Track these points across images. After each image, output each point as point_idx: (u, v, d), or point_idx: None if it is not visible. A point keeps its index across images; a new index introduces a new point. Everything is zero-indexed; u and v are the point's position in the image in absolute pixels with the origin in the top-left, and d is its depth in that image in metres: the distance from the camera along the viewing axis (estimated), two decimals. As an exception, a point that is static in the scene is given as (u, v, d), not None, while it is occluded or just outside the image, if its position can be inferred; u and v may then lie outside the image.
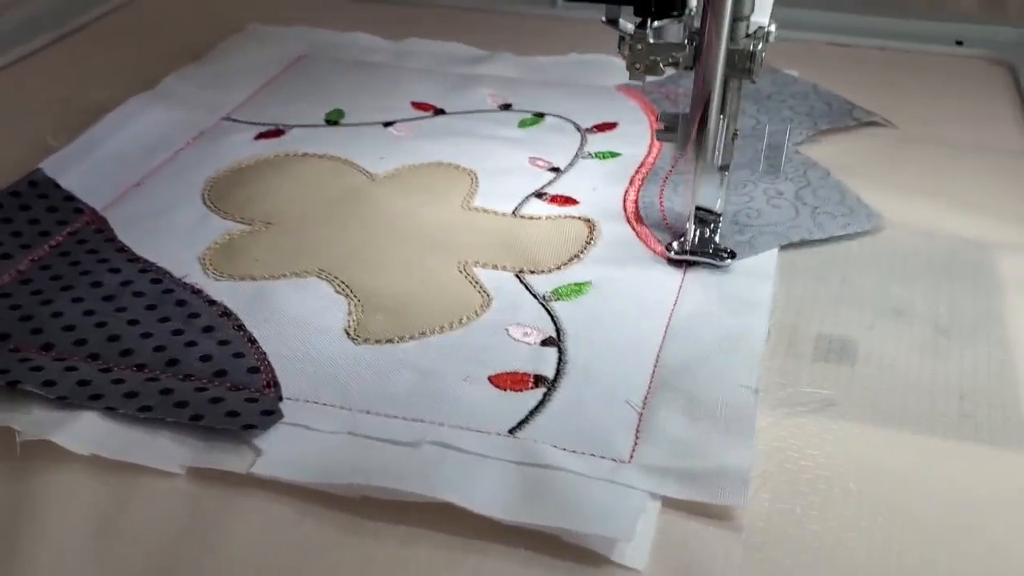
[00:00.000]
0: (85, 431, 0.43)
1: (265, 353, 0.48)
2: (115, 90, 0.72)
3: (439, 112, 0.73)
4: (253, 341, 0.49)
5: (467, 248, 0.57)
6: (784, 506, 0.41)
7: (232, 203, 0.61)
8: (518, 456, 0.42)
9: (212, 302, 0.52)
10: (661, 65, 0.50)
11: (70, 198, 0.60)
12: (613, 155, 0.67)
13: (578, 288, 0.54)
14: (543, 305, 0.52)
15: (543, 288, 0.53)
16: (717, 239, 0.55)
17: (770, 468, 0.42)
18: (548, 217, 0.60)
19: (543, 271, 0.55)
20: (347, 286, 0.53)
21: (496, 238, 0.58)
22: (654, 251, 0.57)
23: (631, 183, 0.64)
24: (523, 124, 0.71)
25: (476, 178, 0.64)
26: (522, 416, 0.45)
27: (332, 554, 0.39)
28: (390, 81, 0.77)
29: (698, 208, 0.55)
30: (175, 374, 0.47)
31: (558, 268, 0.55)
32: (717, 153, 0.53)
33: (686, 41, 0.51)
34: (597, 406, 0.45)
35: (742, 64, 0.50)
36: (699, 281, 0.54)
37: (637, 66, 0.50)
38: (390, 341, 0.49)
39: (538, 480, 0.41)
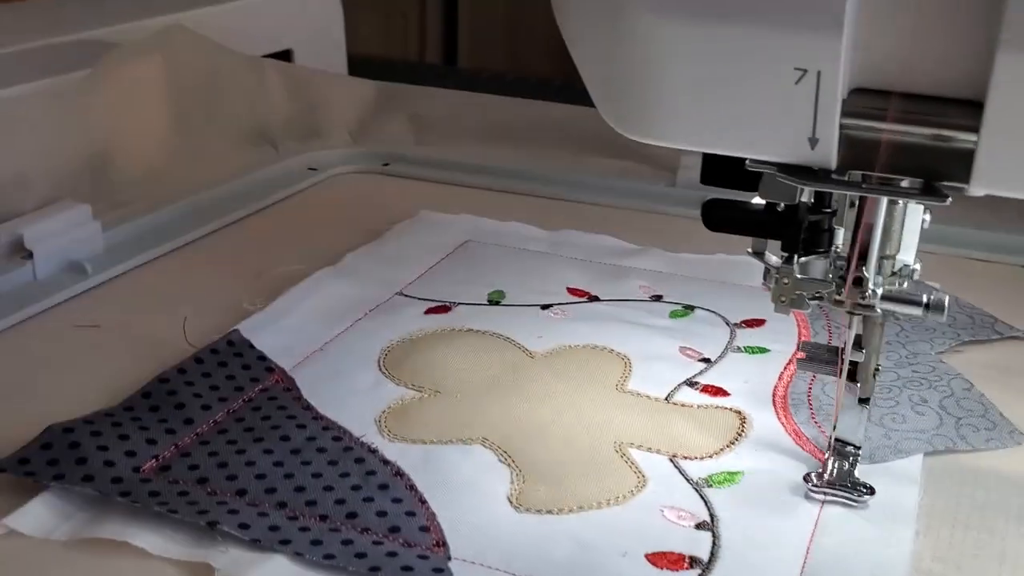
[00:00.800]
0: (275, 572, 0.47)
1: (434, 513, 0.52)
2: (301, 264, 0.79)
3: (593, 299, 0.78)
4: (424, 501, 0.53)
5: (622, 429, 0.60)
6: None
7: (404, 371, 0.66)
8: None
9: (386, 462, 0.56)
10: (807, 299, 0.53)
11: (262, 358, 0.66)
12: (762, 350, 0.71)
13: (731, 477, 0.56)
14: (696, 490, 0.55)
15: (696, 473, 0.56)
16: (856, 472, 0.55)
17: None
18: (700, 406, 0.63)
19: (697, 457, 0.58)
20: (509, 455, 0.57)
21: (650, 421, 0.61)
22: (802, 447, 0.59)
23: (779, 378, 0.67)
24: (674, 315, 0.76)
25: (629, 363, 0.68)
26: (677, 594, 0.47)
27: None
28: (547, 267, 0.83)
29: (838, 440, 0.56)
30: (354, 526, 0.51)
31: (711, 456, 0.58)
32: (863, 387, 0.55)
33: (830, 276, 0.53)
34: (750, 591, 0.47)
35: (935, 310, 0.52)
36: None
37: (783, 299, 0.53)
38: (550, 512, 0.52)
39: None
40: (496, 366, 0.67)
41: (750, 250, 0.53)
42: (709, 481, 0.56)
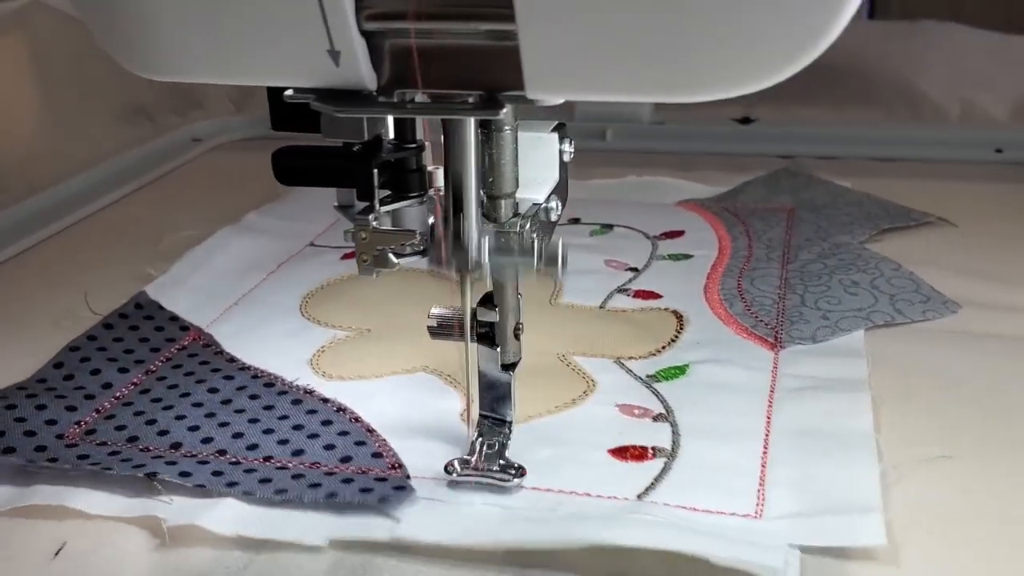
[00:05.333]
0: (227, 514, 0.44)
1: (385, 440, 0.49)
2: (202, 228, 0.75)
3: (511, 228, 0.76)
4: (372, 430, 0.50)
5: (564, 339, 0.58)
6: (932, 541, 0.42)
7: (329, 314, 0.63)
8: (651, 515, 0.43)
9: (326, 399, 0.53)
10: (391, 256, 0.41)
11: (174, 318, 0.62)
12: (686, 256, 0.70)
13: (679, 370, 0.55)
14: (647, 386, 0.54)
15: (643, 371, 0.55)
16: (507, 453, 0.47)
17: (906, 509, 0.43)
18: (635, 310, 0.62)
19: (641, 356, 0.57)
20: (453, 378, 0.55)
21: (589, 328, 0.60)
22: (742, 335, 0.58)
23: (708, 278, 0.66)
24: (594, 233, 0.75)
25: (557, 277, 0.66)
26: (648, 483, 0.46)
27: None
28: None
29: (484, 416, 0.47)
30: (302, 462, 0.48)
31: (654, 353, 0.57)
32: (504, 350, 0.46)
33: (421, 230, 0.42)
34: (718, 470, 0.46)
35: (549, 263, 0.43)
36: (792, 361, 0.56)
37: (365, 258, 0.41)
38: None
39: (677, 536, 0.41)
40: (425, 298, 0.64)
41: (335, 204, 0.42)
42: (657, 376, 0.55)
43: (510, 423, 0.47)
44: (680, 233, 0.74)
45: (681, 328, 0.60)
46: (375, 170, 0.39)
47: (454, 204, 0.41)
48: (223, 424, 0.51)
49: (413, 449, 0.49)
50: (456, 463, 0.46)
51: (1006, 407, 0.51)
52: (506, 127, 0.41)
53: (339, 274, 0.69)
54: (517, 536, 0.42)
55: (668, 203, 0.81)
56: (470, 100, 0.36)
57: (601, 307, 0.63)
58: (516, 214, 0.43)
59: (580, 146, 0.97)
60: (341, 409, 0.52)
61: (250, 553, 0.43)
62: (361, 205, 0.41)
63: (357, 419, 0.51)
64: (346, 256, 0.72)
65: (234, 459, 0.48)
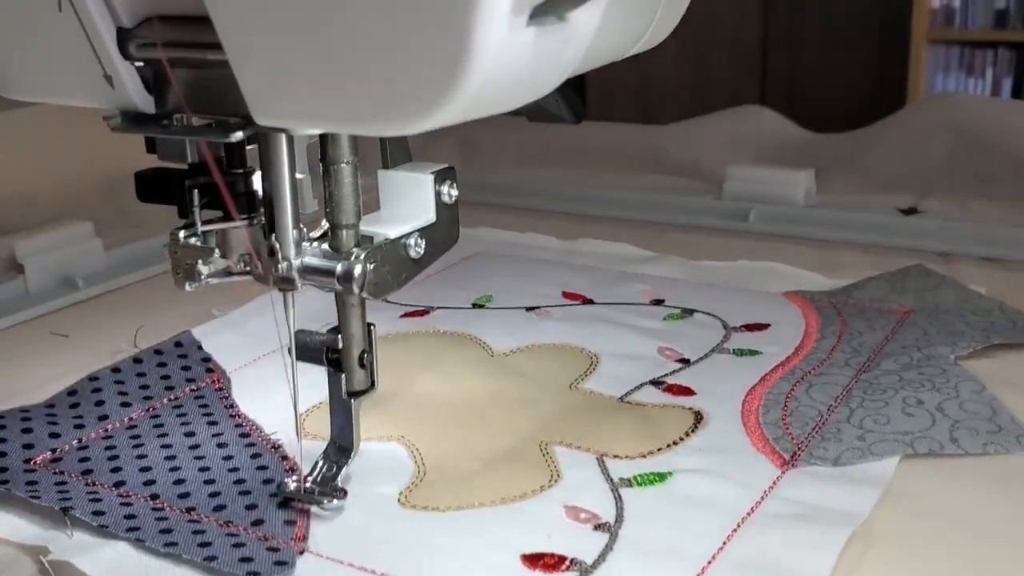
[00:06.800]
0: (109, 557, 0.44)
1: (309, 509, 0.47)
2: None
3: (587, 301, 0.72)
4: (306, 499, 0.48)
5: (555, 427, 0.54)
6: None
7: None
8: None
9: (285, 457, 0.52)
10: (200, 267, 0.44)
11: (207, 359, 0.63)
12: (753, 352, 0.63)
13: (659, 477, 0.49)
14: (613, 490, 0.48)
15: (621, 473, 0.50)
16: (340, 479, 0.48)
17: None
18: (655, 405, 0.57)
19: (628, 457, 0.51)
20: (420, 453, 0.52)
21: (589, 420, 0.55)
22: (758, 448, 0.52)
23: (762, 379, 0.59)
24: (669, 318, 0.69)
25: (596, 361, 0.62)
26: (540, 598, 0.41)
27: None
28: (546, 272, 0.78)
29: (334, 442, 0.49)
30: (217, 519, 0.47)
31: (644, 456, 0.51)
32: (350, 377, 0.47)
33: (216, 246, 0.44)
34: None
35: (345, 280, 0.44)
36: (796, 483, 0.49)
37: (178, 271, 0.44)
38: (436, 509, 0.47)
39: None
40: (448, 366, 0.62)
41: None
42: (631, 481, 0.49)
43: (350, 451, 0.48)
44: (764, 327, 0.67)
45: (693, 431, 0.54)
46: (195, 190, 0.42)
47: (269, 222, 0.44)
48: (174, 469, 0.51)
49: (331, 524, 0.46)
50: (289, 482, 0.48)
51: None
52: (342, 161, 0.44)
53: (388, 331, 0.68)
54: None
55: (774, 292, 0.74)
56: (232, 122, 0.39)
57: (621, 399, 0.58)
58: (358, 244, 0.45)
59: (720, 227, 0.92)
60: (292, 469, 0.51)
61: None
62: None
63: (306, 480, 0.50)
64: (406, 315, 0.71)
65: (159, 505, 0.48)
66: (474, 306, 0.72)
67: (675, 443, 0.53)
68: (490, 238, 0.88)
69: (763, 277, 0.77)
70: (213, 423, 0.56)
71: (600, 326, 0.67)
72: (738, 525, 0.45)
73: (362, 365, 0.48)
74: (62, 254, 0.78)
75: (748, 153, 1.03)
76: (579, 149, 1.09)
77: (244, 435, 0.54)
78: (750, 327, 0.67)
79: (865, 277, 0.75)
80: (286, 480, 0.48)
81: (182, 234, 0.44)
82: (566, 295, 0.74)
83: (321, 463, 0.48)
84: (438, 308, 0.72)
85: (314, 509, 0.47)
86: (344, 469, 0.48)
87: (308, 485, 0.47)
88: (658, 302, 0.72)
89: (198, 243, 0.44)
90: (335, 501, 0.47)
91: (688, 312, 0.70)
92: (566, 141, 1.11)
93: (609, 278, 0.76)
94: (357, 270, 0.43)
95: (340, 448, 0.49)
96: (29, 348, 0.69)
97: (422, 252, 0.47)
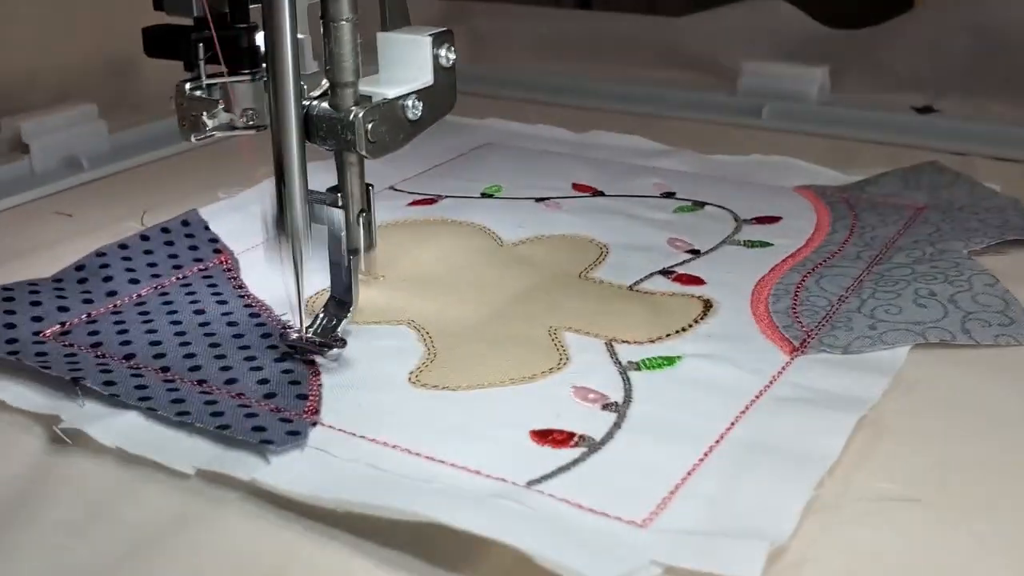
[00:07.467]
0: (120, 426, 0.44)
1: (322, 384, 0.48)
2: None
3: (597, 194, 0.72)
4: (318, 373, 0.49)
5: (566, 313, 0.54)
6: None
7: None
8: (525, 503, 0.39)
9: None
10: (205, 118, 0.46)
11: (214, 239, 0.63)
12: (764, 244, 0.63)
13: (668, 361, 0.49)
14: (621, 373, 0.48)
15: (629, 357, 0.50)
16: (340, 330, 0.49)
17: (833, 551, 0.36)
18: (664, 293, 0.56)
19: (636, 341, 0.51)
20: (430, 337, 0.52)
21: (598, 307, 0.55)
22: (767, 336, 0.52)
23: (772, 269, 0.59)
24: (679, 210, 0.69)
25: (606, 251, 0.62)
26: (548, 471, 0.41)
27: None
28: (561, 165, 0.77)
29: (334, 298, 0.51)
30: (229, 392, 0.47)
31: (652, 341, 0.51)
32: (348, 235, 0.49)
33: (220, 99, 0.46)
34: (635, 471, 0.41)
35: (345, 134, 0.46)
36: (805, 369, 0.49)
37: (184, 123, 0.46)
38: (447, 388, 0.47)
39: (539, 530, 0.37)
40: (456, 253, 0.62)
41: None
42: (640, 364, 0.49)
43: (349, 305, 0.50)
44: (776, 219, 0.67)
45: (702, 318, 0.54)
46: (200, 44, 0.44)
47: (272, 80, 0.44)
48: (184, 344, 0.51)
49: (343, 398, 0.46)
50: (290, 332, 0.49)
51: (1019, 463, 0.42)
52: (342, 19, 0.45)
53: (396, 219, 0.67)
54: (361, 499, 0.38)
55: (786, 187, 0.73)
56: None
57: (631, 287, 0.57)
58: (357, 103, 0.46)
59: (733, 122, 0.90)
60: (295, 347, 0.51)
61: (119, 470, 0.42)
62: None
63: (311, 360, 0.50)
64: (415, 203, 0.70)
65: (170, 377, 0.48)
66: (483, 195, 0.72)
67: (684, 329, 0.53)
68: (500, 128, 0.87)
69: (775, 171, 0.76)
70: (223, 302, 0.56)
71: (610, 218, 0.67)
72: (747, 407, 0.45)
73: (358, 223, 0.50)
74: (67, 135, 0.78)
75: (762, 47, 1.01)
76: (591, 41, 1.07)
77: (254, 315, 0.54)
78: (761, 220, 0.67)
79: (878, 173, 0.74)
80: (287, 330, 0.50)
81: (188, 86, 0.45)
82: (576, 187, 0.73)
83: (321, 316, 0.50)
84: (447, 197, 0.71)
85: (319, 360, 0.48)
86: (343, 323, 0.49)
87: (308, 335, 0.48)
88: (669, 195, 0.71)
89: (203, 96, 0.45)
90: (335, 350, 0.48)
91: (699, 204, 0.69)
92: (577, 33, 1.09)
93: (620, 171, 0.76)
94: (357, 126, 0.45)
95: (340, 302, 0.50)
96: (34, 228, 0.69)
97: (420, 114, 0.48)
